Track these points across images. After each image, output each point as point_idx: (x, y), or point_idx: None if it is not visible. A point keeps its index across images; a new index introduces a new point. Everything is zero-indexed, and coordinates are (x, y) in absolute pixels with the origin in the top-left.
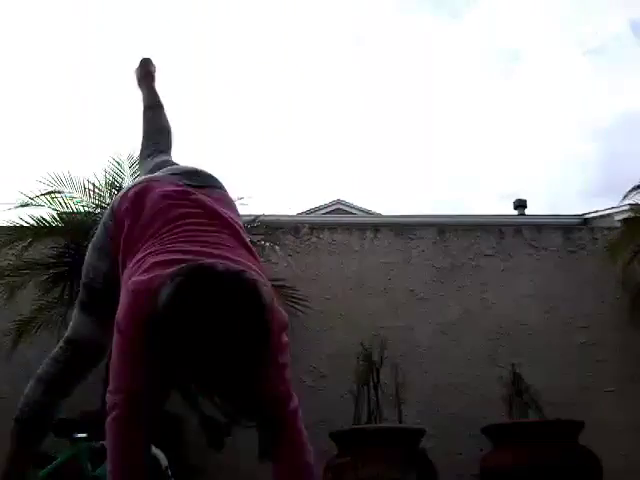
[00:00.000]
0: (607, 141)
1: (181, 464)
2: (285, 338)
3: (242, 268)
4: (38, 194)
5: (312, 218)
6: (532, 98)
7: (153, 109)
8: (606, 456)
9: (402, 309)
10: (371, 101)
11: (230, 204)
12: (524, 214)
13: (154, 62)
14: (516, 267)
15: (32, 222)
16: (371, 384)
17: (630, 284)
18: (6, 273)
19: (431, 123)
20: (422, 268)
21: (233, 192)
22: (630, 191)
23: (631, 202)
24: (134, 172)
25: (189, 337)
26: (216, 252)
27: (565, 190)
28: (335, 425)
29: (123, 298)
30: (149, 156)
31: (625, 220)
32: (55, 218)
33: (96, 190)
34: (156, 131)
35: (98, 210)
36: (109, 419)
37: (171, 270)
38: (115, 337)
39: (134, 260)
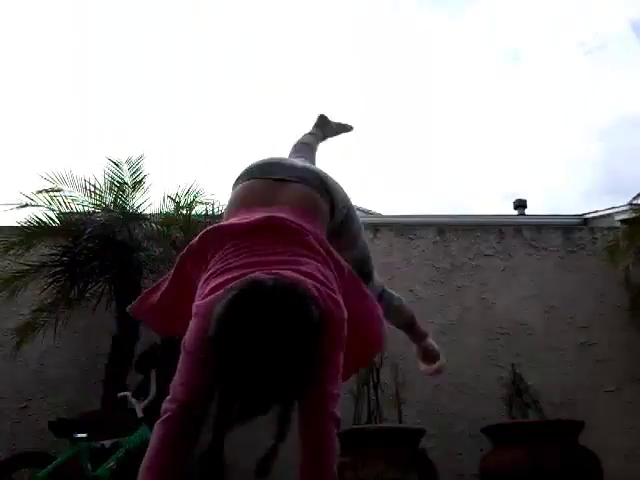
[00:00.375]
0: (607, 141)
1: None
2: (343, 333)
3: (292, 281)
4: (38, 192)
5: None
6: (532, 98)
7: (304, 144)
8: (606, 456)
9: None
10: (371, 101)
11: (308, 202)
12: (524, 214)
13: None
14: (516, 267)
15: (32, 223)
16: (371, 384)
17: (630, 284)
18: (6, 275)
19: (431, 123)
20: (422, 268)
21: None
22: (636, 196)
23: (632, 202)
24: (133, 173)
25: (238, 351)
26: (269, 259)
27: (565, 190)
28: None
29: (190, 322)
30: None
31: (625, 220)
32: (53, 219)
33: (96, 190)
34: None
35: (98, 210)
36: (159, 421)
37: (225, 288)
38: (181, 354)
39: (199, 283)
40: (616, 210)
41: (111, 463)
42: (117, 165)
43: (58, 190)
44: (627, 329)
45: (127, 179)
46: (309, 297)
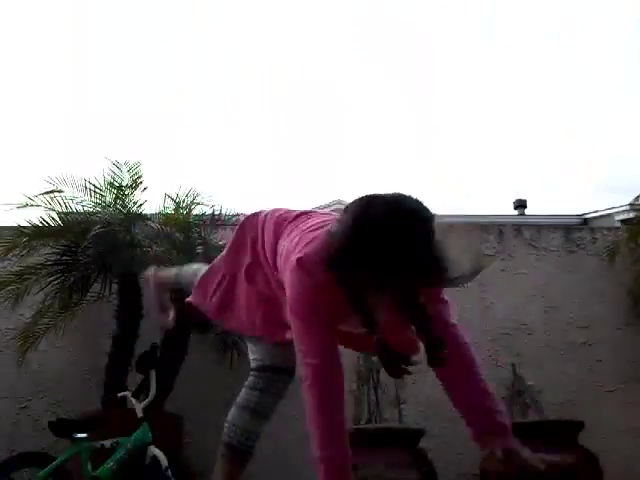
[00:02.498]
0: (608, 140)
1: (181, 464)
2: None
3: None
4: (38, 194)
5: None
6: (533, 98)
7: None
8: (606, 456)
9: None
10: (371, 101)
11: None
12: (524, 214)
13: None
14: (516, 267)
15: (32, 223)
16: (371, 384)
17: (630, 284)
18: (8, 279)
19: (431, 123)
20: None
21: (231, 195)
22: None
23: (632, 202)
24: (133, 174)
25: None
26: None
27: (565, 190)
28: None
29: (290, 278)
30: None
31: (625, 220)
32: (54, 219)
33: (96, 190)
34: None
35: (98, 209)
36: (303, 386)
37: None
38: (293, 322)
39: (286, 241)
40: (616, 210)
41: (111, 463)
42: (117, 166)
43: (59, 191)
44: (627, 329)
45: (127, 179)
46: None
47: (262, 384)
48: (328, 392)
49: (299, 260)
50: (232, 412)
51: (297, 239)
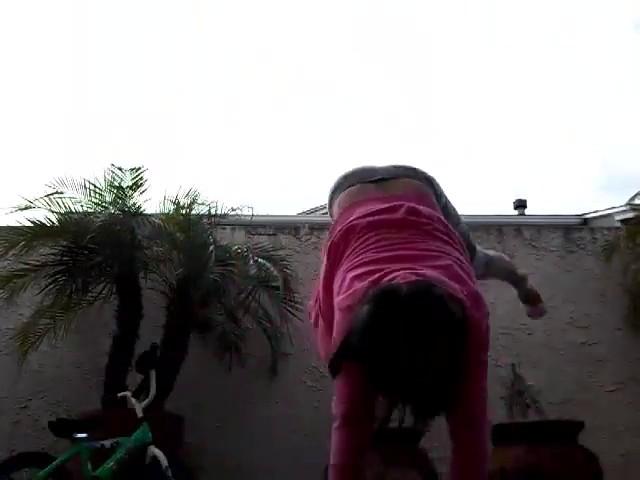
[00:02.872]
0: (608, 140)
1: (181, 464)
2: (487, 333)
3: (429, 282)
4: (39, 197)
5: (312, 218)
6: (532, 98)
7: None
8: (606, 456)
9: None
10: (370, 101)
11: (420, 190)
12: (524, 214)
13: None
14: (516, 267)
15: (32, 224)
16: None
17: (630, 284)
18: (6, 275)
19: (431, 123)
20: None
21: (232, 196)
22: (634, 196)
23: (632, 202)
24: (134, 175)
25: (386, 360)
26: (405, 253)
27: (565, 190)
28: None
29: (337, 319)
30: None
31: (625, 220)
32: (53, 222)
33: (97, 190)
34: None
35: (98, 209)
36: (333, 427)
37: (363, 287)
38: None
39: (338, 281)
40: (616, 210)
41: (111, 463)
42: (119, 168)
43: (59, 193)
44: (627, 329)
45: (128, 180)
46: (448, 295)
47: None
48: (355, 436)
49: (344, 309)
50: None
51: (341, 282)
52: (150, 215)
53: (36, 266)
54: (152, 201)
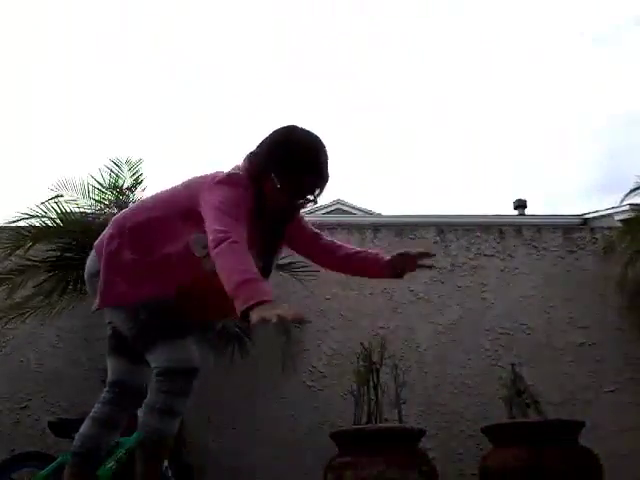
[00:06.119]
0: (607, 140)
1: (181, 464)
2: None
3: None
4: (43, 202)
5: (312, 218)
6: (532, 98)
7: None
8: (606, 456)
9: (402, 309)
10: (370, 101)
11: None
12: (524, 214)
13: None
14: (516, 267)
15: (34, 223)
16: (371, 384)
17: (630, 284)
18: (5, 272)
19: (431, 122)
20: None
21: None
22: (629, 193)
23: (631, 202)
24: (133, 174)
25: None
26: None
27: (565, 190)
28: (335, 425)
29: (217, 188)
30: None
31: (625, 220)
32: (55, 222)
33: (97, 190)
34: None
35: (98, 207)
36: (225, 244)
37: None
38: (224, 190)
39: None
40: (616, 210)
41: (111, 463)
42: (117, 165)
43: (59, 196)
44: (627, 329)
45: (128, 179)
46: None
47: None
48: (242, 253)
49: (228, 175)
50: (84, 423)
51: (208, 176)
52: None
53: (35, 262)
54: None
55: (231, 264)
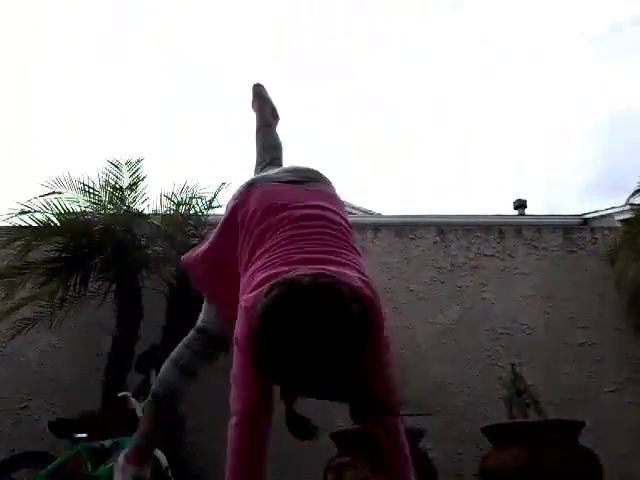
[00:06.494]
0: (607, 140)
1: (181, 464)
2: (387, 339)
3: (330, 280)
4: (37, 197)
5: None
6: (532, 98)
7: (263, 129)
8: (606, 456)
9: (402, 309)
10: (370, 101)
11: (335, 197)
12: (524, 214)
13: (264, 86)
14: (516, 267)
15: (31, 223)
16: None
17: (630, 284)
18: (5, 272)
19: (431, 122)
20: (422, 268)
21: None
22: (633, 194)
23: (632, 202)
24: (132, 174)
25: (283, 348)
26: (316, 257)
27: (565, 190)
28: (335, 425)
29: (238, 315)
30: (262, 169)
31: (625, 220)
32: (52, 221)
33: (94, 190)
34: (267, 148)
35: (96, 208)
36: (231, 423)
37: (266, 286)
38: (235, 352)
39: (247, 274)
40: (616, 210)
41: (111, 463)
42: (116, 165)
43: (58, 193)
44: (627, 329)
45: (127, 179)
46: (348, 291)
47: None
48: (254, 438)
49: (246, 309)
50: (164, 365)
51: (248, 278)
52: (149, 214)
53: (35, 263)
54: (151, 198)
55: (234, 467)
